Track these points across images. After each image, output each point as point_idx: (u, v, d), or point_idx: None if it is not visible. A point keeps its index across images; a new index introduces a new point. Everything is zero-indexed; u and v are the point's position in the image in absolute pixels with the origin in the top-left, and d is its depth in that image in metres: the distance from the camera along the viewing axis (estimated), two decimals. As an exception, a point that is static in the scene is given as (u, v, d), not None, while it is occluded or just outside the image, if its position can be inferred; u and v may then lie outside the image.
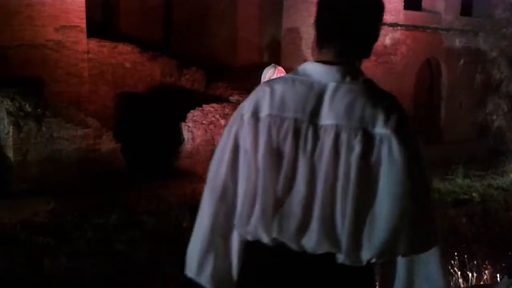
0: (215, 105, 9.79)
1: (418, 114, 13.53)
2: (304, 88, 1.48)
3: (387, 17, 12.30)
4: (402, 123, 1.43)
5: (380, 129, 1.40)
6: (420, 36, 13.05)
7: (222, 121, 9.38)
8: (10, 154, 7.83)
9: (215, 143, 9.47)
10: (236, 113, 1.57)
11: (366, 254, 1.39)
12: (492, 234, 6.09)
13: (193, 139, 9.49)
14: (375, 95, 1.46)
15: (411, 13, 12.84)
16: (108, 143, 8.65)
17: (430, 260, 1.45)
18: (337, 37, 1.52)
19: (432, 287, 1.46)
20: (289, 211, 1.43)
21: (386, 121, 1.41)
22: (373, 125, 1.40)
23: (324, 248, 1.41)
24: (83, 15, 10.79)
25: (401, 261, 1.46)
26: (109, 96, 11.33)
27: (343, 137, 1.41)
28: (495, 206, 7.77)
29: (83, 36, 10.91)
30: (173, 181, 8.22)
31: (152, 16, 14.19)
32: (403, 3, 12.52)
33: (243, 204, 1.50)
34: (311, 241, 1.41)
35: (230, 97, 10.68)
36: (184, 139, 9.53)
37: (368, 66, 11.95)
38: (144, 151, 9.16)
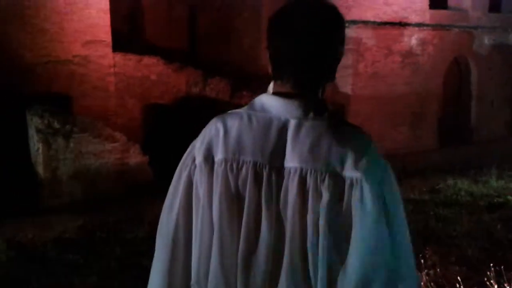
0: (240, 114, 9.77)
1: (447, 114, 13.26)
2: (262, 126, 1.32)
3: (413, 17, 12.11)
4: (374, 164, 1.28)
5: (350, 172, 1.25)
6: (447, 35, 12.79)
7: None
8: (40, 171, 7.96)
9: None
10: (186, 154, 1.40)
11: None
12: (529, 240, 5.89)
13: (219, 149, 9.47)
14: (343, 133, 1.31)
15: (437, 12, 12.60)
16: (135, 157, 8.71)
17: None
18: (294, 66, 1.34)
19: None
20: (255, 263, 1.29)
21: (357, 163, 1.25)
22: (342, 167, 1.25)
23: None
24: (109, 29, 10.94)
25: None
26: (136, 109, 11.44)
27: (309, 181, 1.26)
28: (531, 209, 7.52)
29: (108, 50, 11.05)
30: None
31: (177, 27, 14.30)
32: (428, 2, 12.30)
33: (199, 261, 1.34)
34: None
35: (255, 105, 10.62)
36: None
37: (394, 67, 11.87)
38: (172, 162, 9.18)
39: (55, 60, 10.47)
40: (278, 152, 1.29)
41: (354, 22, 11.21)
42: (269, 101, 1.35)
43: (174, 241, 1.38)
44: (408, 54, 12.15)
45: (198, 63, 12.96)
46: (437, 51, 12.63)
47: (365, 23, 11.39)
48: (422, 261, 4.47)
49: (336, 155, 1.26)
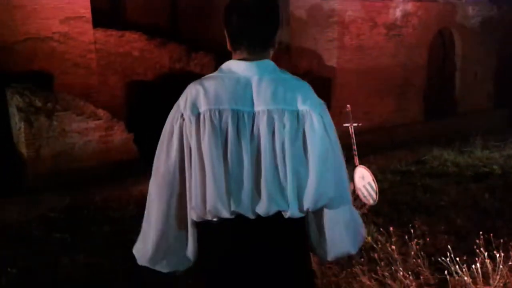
0: (225, 89, 9.67)
1: (432, 86, 13.28)
2: (233, 83, 1.84)
3: (397, -11, 12.00)
4: (316, 101, 1.90)
5: (302, 107, 1.84)
6: (431, 6, 12.72)
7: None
8: (23, 150, 7.81)
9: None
10: (174, 112, 1.86)
11: (306, 205, 1.82)
12: (517, 208, 5.94)
13: (205, 125, 9.39)
14: (292, 82, 1.90)
15: (421, -17, 12.51)
16: (120, 134, 8.59)
17: (344, 207, 1.93)
18: (250, 38, 1.88)
19: (342, 227, 1.94)
20: (241, 187, 1.77)
21: (305, 101, 1.85)
22: (296, 105, 1.84)
23: (274, 210, 1.80)
24: (88, 5, 10.66)
25: (323, 210, 1.91)
26: (119, 86, 11.25)
27: (275, 117, 1.80)
28: (516, 178, 7.59)
29: (89, 26, 10.78)
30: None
31: (158, 3, 14.02)
32: (412, -26, 12.20)
33: (196, 191, 1.78)
34: (263, 208, 1.79)
35: (241, 80, 10.53)
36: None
37: (379, 40, 11.80)
38: (156, 140, 9.09)
39: (34, 37, 10.20)
40: (247, 100, 1.81)
41: (338, -6, 11.10)
42: (234, 65, 1.88)
43: (173, 179, 1.84)
44: (393, 26, 12.08)
45: (180, 38, 12.75)
46: (421, 23, 12.57)
47: (350, -5, 11.27)
48: (411, 231, 4.47)
49: (290, 97, 1.84)
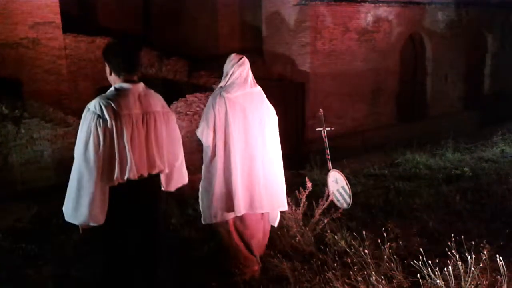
0: (198, 94, 9.61)
1: (403, 90, 13.43)
2: (131, 96, 3.22)
3: (368, -6, 12.11)
4: (166, 105, 3.47)
5: (164, 109, 3.43)
6: (402, 12, 12.89)
7: (207, 111, 9.18)
8: (-10, 158, 7.61)
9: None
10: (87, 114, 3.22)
11: (166, 166, 3.40)
12: (487, 209, 5.99)
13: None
14: (155, 93, 3.41)
15: (392, -12, 12.67)
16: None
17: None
18: (133, 67, 3.29)
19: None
20: (143, 159, 3.25)
21: (164, 105, 3.43)
22: (162, 107, 3.40)
23: (154, 172, 3.31)
24: (58, 10, 10.47)
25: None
26: (90, 92, 11.05)
27: (156, 116, 3.32)
28: (487, 179, 7.68)
29: (58, 32, 10.59)
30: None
31: (130, 7, 13.87)
32: (383, -21, 12.34)
33: (123, 162, 3.16)
34: (149, 171, 3.28)
35: (214, 85, 10.48)
36: (169, 131, 9.33)
37: (351, 45, 11.89)
38: (129, 146, 8.96)
39: (2, 43, 9.97)
40: (144, 104, 3.27)
41: (310, -1, 11.15)
42: (126, 85, 3.26)
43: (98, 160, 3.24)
44: (365, 31, 12.19)
45: (152, 44, 12.63)
46: (392, 28, 12.72)
47: (322, 0, 11.33)
48: (384, 234, 4.47)
49: (160, 102, 3.42)
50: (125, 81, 3.22)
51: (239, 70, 4.17)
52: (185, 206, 6.40)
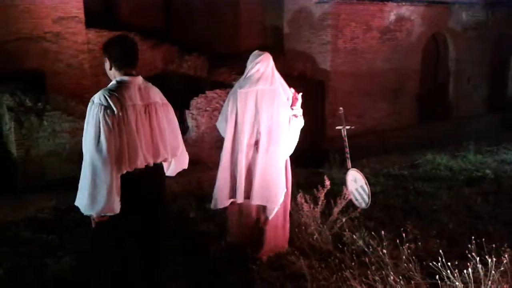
0: (218, 91, 9.61)
1: (425, 91, 13.27)
2: (132, 88, 3.27)
3: (391, -7, 12.00)
4: (163, 97, 3.52)
5: (163, 101, 3.50)
6: (425, 11, 12.73)
7: (226, 107, 9.18)
8: (13, 150, 7.72)
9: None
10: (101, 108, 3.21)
11: (170, 155, 3.52)
12: (509, 213, 5.90)
13: (197, 126, 9.33)
14: (153, 86, 3.46)
15: (415, -13, 12.52)
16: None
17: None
18: (129, 62, 3.36)
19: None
20: (149, 148, 3.39)
21: (162, 97, 3.50)
22: (161, 99, 3.48)
23: (159, 160, 3.45)
24: (81, 5, 10.59)
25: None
26: (111, 87, 11.16)
27: (157, 107, 3.43)
28: (509, 182, 7.57)
29: (82, 26, 10.71)
30: (178, 170, 8.07)
31: (152, 3, 13.95)
32: (406, -22, 12.20)
33: (131, 151, 3.23)
34: (155, 160, 3.39)
35: (234, 82, 10.47)
36: (188, 127, 9.37)
37: (372, 44, 11.78)
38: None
39: (26, 37, 10.11)
40: (145, 96, 3.35)
41: (333, -3, 11.08)
42: (127, 78, 3.30)
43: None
44: (387, 30, 12.07)
45: (174, 40, 12.69)
46: (415, 27, 12.58)
47: (344, -2, 11.25)
48: (403, 235, 4.43)
49: (158, 95, 3.47)
50: (125, 74, 3.31)
51: (256, 67, 4.34)
52: (203, 201, 6.43)
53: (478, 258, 3.63)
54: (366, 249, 4.36)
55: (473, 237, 3.99)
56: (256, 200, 4.49)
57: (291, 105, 4.52)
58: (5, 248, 5.04)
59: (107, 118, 3.10)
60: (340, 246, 4.76)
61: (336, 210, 5.22)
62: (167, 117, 3.50)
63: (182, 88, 10.86)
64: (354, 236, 4.81)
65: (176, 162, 3.66)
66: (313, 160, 9.16)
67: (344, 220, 5.16)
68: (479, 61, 14.24)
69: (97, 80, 10.95)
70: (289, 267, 4.47)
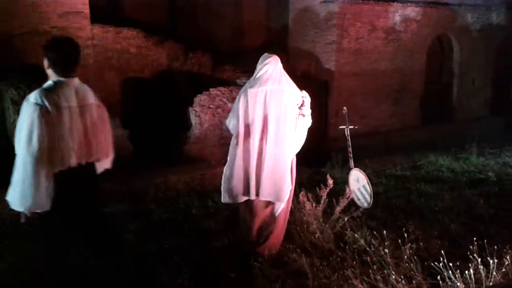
0: (222, 88, 9.62)
1: (429, 91, 13.26)
2: (67, 89, 3.42)
3: (396, -6, 11.99)
4: (97, 98, 3.63)
5: (97, 102, 3.61)
6: (430, 12, 12.71)
7: (230, 105, 9.19)
8: (17, 144, 7.73)
9: (223, 127, 9.31)
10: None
11: (102, 155, 3.74)
12: (511, 215, 5.90)
13: (200, 124, 9.34)
14: (88, 87, 3.60)
15: (421, -12, 12.51)
16: (115, 130, 8.45)
17: None
18: (65, 67, 3.45)
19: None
20: (81, 146, 3.50)
21: (95, 98, 3.61)
22: (92, 98, 3.58)
23: (92, 160, 3.61)
24: (87, 0, 10.60)
25: None
26: (115, 82, 11.17)
27: (91, 108, 3.56)
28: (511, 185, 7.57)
29: (86, 22, 10.72)
30: (181, 167, 8.09)
31: (157, 0, 13.96)
32: (412, -21, 12.20)
33: (64, 150, 3.39)
34: (87, 160, 3.56)
35: (238, 80, 10.50)
36: (191, 124, 9.38)
37: (377, 44, 11.77)
38: (152, 137, 9.04)
39: (32, 31, 10.12)
40: (81, 98, 3.51)
41: (338, -4, 11.08)
42: (63, 79, 3.43)
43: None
44: (392, 30, 12.06)
45: (179, 37, 12.69)
46: (420, 28, 12.57)
47: (349, -2, 11.25)
48: (405, 235, 4.44)
49: (92, 96, 3.61)
50: (63, 76, 3.44)
51: (265, 68, 4.63)
52: (206, 198, 6.44)
53: (479, 259, 3.64)
54: (367, 249, 4.37)
55: (474, 239, 4.00)
56: (265, 197, 4.63)
57: (301, 106, 4.73)
58: (8, 242, 5.06)
59: (41, 117, 3.22)
60: (342, 245, 4.77)
61: (338, 209, 5.24)
62: (102, 118, 3.67)
63: (186, 85, 10.87)
64: (356, 235, 4.83)
65: (105, 162, 3.83)
66: (315, 160, 9.17)
67: (346, 219, 5.17)
68: (484, 63, 14.23)
69: (101, 75, 10.97)
70: (290, 264, 4.48)
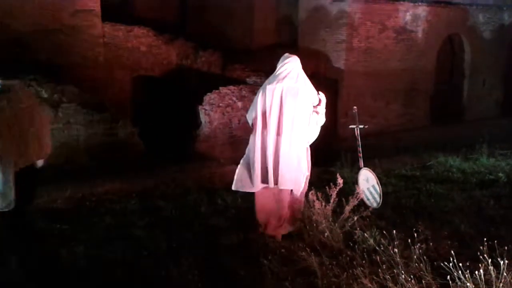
0: (232, 87, 9.63)
1: (439, 92, 13.21)
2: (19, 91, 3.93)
3: (407, -7, 11.94)
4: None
5: (39, 103, 4.28)
6: (441, 12, 12.66)
7: (239, 104, 9.21)
8: (28, 140, 7.80)
9: (233, 125, 9.32)
10: None
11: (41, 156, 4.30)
12: (521, 216, 5.87)
13: (210, 122, 9.36)
14: (29, 90, 4.90)
15: (432, -12, 12.46)
16: (125, 128, 8.56)
17: None
18: None
19: None
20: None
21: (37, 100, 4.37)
22: (36, 103, 4.14)
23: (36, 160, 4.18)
24: (98, -1, 10.68)
25: None
26: (126, 80, 11.25)
27: (37, 108, 4.05)
28: (522, 186, 7.50)
29: (98, 20, 10.80)
30: (190, 165, 8.12)
31: (167, -1, 14.02)
32: (423, -22, 12.15)
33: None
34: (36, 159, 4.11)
35: (247, 79, 10.51)
36: (201, 122, 9.41)
37: (387, 43, 11.76)
38: (162, 135, 9.08)
39: (43, 29, 10.22)
40: (26, 99, 3.99)
41: (349, -5, 11.06)
42: (14, 82, 4.06)
43: None
44: (402, 30, 12.03)
45: (188, 35, 12.73)
46: (431, 28, 12.51)
47: (360, -3, 11.23)
48: (415, 235, 4.42)
49: (34, 99, 4.26)
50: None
51: (284, 66, 4.98)
52: (215, 196, 6.46)
53: (490, 260, 3.61)
54: (377, 248, 4.36)
55: (485, 239, 3.97)
56: (283, 185, 5.01)
57: (317, 105, 5.09)
58: (20, 237, 5.09)
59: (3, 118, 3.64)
60: (351, 244, 4.76)
61: (347, 208, 5.22)
62: (45, 120, 4.13)
63: (196, 84, 10.90)
64: (365, 235, 4.81)
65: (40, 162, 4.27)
66: (325, 159, 9.15)
67: (355, 218, 5.16)
68: (494, 64, 14.14)
69: (112, 73, 11.05)
70: (300, 263, 4.48)
